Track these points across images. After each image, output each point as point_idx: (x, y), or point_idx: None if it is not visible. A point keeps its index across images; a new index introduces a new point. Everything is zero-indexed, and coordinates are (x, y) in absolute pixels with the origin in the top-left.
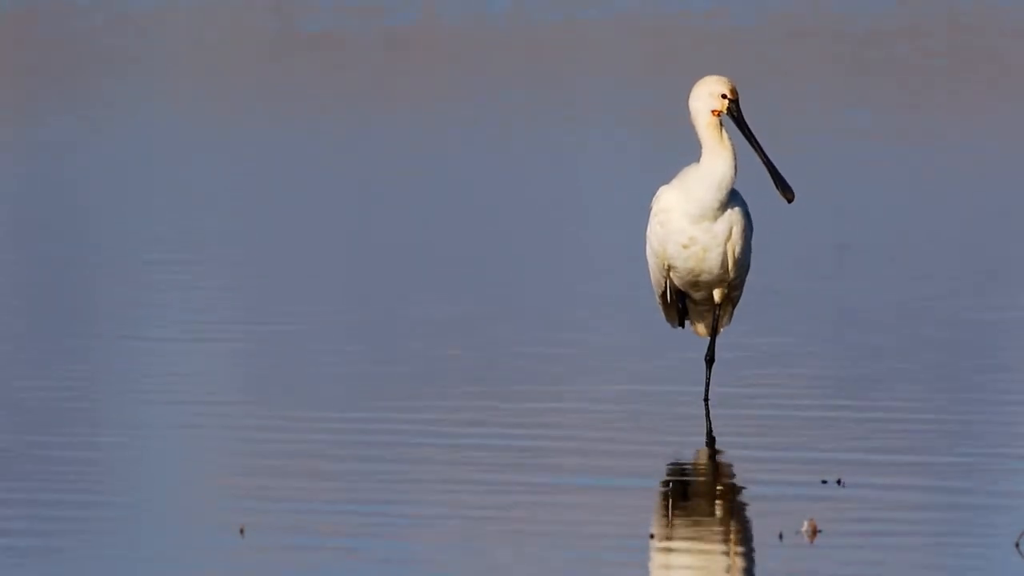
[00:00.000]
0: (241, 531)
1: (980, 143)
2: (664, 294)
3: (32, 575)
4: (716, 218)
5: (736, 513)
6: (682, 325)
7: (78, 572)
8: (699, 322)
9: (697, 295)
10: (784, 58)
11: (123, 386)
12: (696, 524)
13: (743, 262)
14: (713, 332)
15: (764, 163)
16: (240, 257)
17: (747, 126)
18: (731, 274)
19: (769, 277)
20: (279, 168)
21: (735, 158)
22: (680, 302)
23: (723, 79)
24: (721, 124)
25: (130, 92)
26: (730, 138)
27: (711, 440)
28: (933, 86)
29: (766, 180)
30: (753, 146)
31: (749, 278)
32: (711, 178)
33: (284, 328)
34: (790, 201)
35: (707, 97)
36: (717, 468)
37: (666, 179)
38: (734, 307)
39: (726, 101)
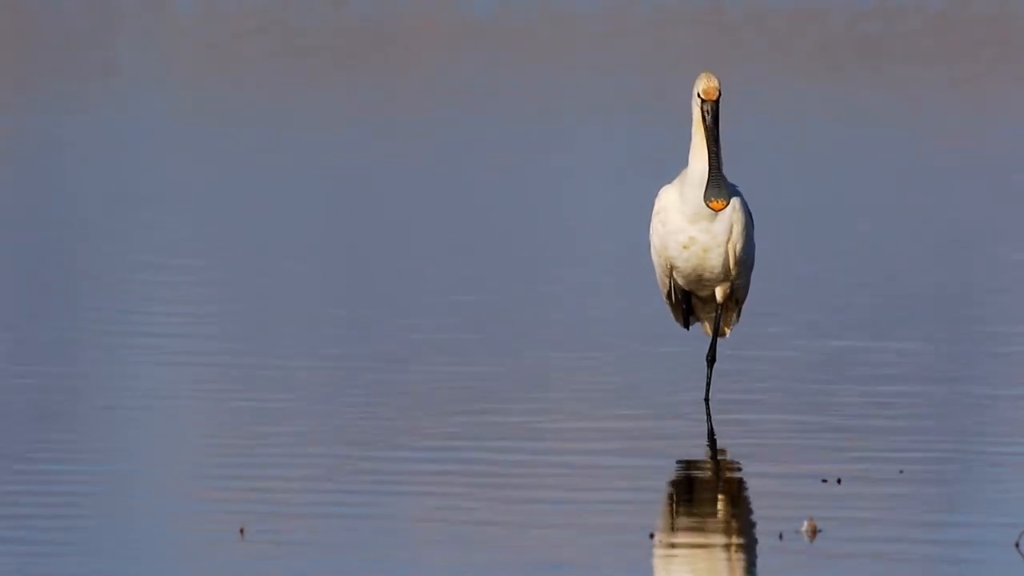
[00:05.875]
0: (241, 531)
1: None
2: (669, 293)
3: (30, 572)
4: (714, 217)
5: (736, 512)
6: (687, 327)
7: (78, 572)
8: (706, 321)
9: (702, 294)
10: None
11: (120, 386)
12: (696, 524)
13: (745, 261)
14: (715, 332)
15: (710, 163)
16: (235, 259)
17: (710, 127)
18: (733, 273)
19: (768, 282)
20: (274, 167)
21: (718, 156)
22: (685, 302)
23: (703, 77)
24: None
25: (127, 90)
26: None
27: (711, 440)
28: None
29: (767, 180)
30: (708, 146)
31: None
32: (694, 176)
33: (282, 330)
34: (716, 210)
35: (695, 95)
36: (717, 467)
37: (666, 178)
38: (740, 305)
39: (700, 100)
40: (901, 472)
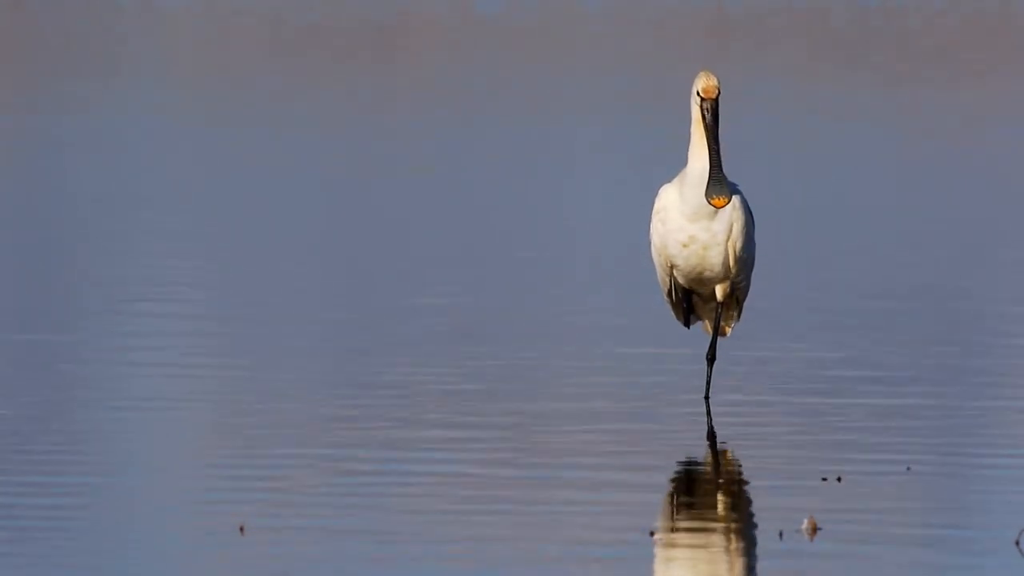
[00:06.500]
0: (241, 531)
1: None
2: (670, 292)
3: (31, 572)
4: (714, 216)
5: (736, 511)
6: (688, 325)
7: (78, 572)
8: (706, 319)
9: (702, 292)
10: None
11: (119, 386)
12: (697, 522)
13: (746, 259)
14: (715, 331)
15: (711, 161)
16: (234, 259)
17: (710, 126)
18: (733, 271)
19: (767, 283)
20: (274, 167)
21: (719, 154)
22: (685, 300)
23: (702, 75)
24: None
25: (128, 89)
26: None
27: (711, 439)
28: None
29: (770, 182)
30: (708, 144)
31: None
32: (694, 175)
33: (281, 331)
34: (718, 207)
35: (694, 94)
36: (717, 466)
37: (666, 178)
38: (741, 304)
39: (699, 98)
40: (908, 469)
